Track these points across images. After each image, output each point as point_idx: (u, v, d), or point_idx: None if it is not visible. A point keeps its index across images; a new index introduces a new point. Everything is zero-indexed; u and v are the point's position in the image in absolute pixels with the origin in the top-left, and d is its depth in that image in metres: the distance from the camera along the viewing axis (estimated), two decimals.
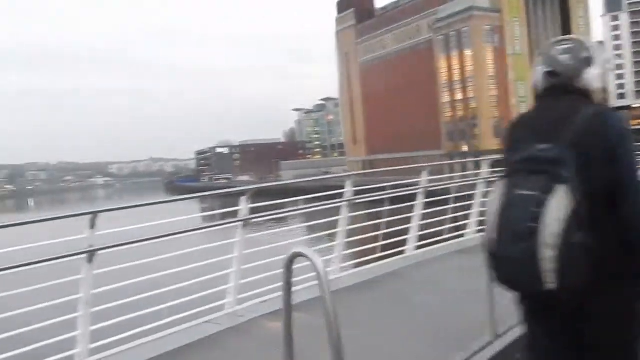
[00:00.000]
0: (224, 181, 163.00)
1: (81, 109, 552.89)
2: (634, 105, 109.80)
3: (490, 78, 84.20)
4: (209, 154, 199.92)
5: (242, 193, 5.30)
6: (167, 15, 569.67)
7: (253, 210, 5.27)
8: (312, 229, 8.36)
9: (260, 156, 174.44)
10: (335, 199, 6.36)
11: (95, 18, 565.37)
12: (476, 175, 8.47)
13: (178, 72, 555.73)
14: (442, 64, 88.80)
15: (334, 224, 6.38)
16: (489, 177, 7.85)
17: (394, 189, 7.19)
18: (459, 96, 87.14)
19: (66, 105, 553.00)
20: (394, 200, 7.21)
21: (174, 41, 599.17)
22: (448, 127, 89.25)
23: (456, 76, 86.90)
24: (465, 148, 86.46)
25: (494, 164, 8.06)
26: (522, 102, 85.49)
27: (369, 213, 8.00)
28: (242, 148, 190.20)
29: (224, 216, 5.82)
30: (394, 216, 7.25)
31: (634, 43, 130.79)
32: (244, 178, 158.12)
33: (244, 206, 5.17)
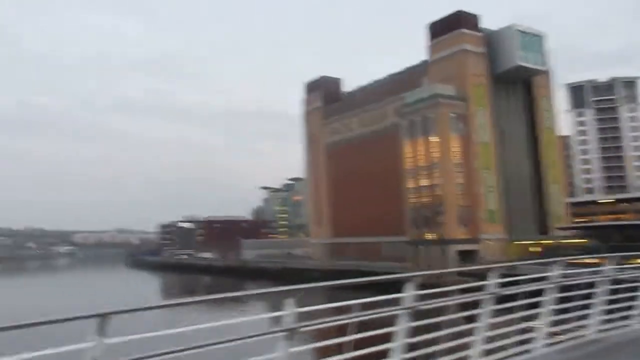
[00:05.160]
0: (185, 257, 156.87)
1: (54, 175, 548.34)
2: (599, 201, 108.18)
3: (456, 166, 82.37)
4: (173, 228, 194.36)
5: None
6: (142, 87, 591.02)
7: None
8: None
9: (224, 233, 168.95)
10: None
11: (73, 84, 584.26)
12: None
13: (151, 143, 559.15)
14: (408, 150, 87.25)
15: None
16: None
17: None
18: (424, 182, 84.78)
19: (39, 169, 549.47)
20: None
21: (149, 112, 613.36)
22: (412, 213, 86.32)
23: (421, 162, 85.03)
24: (429, 236, 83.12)
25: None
26: (490, 192, 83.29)
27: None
28: (206, 224, 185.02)
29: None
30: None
31: (600, 139, 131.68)
32: (205, 255, 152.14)
33: (289, 311, 4.26)
